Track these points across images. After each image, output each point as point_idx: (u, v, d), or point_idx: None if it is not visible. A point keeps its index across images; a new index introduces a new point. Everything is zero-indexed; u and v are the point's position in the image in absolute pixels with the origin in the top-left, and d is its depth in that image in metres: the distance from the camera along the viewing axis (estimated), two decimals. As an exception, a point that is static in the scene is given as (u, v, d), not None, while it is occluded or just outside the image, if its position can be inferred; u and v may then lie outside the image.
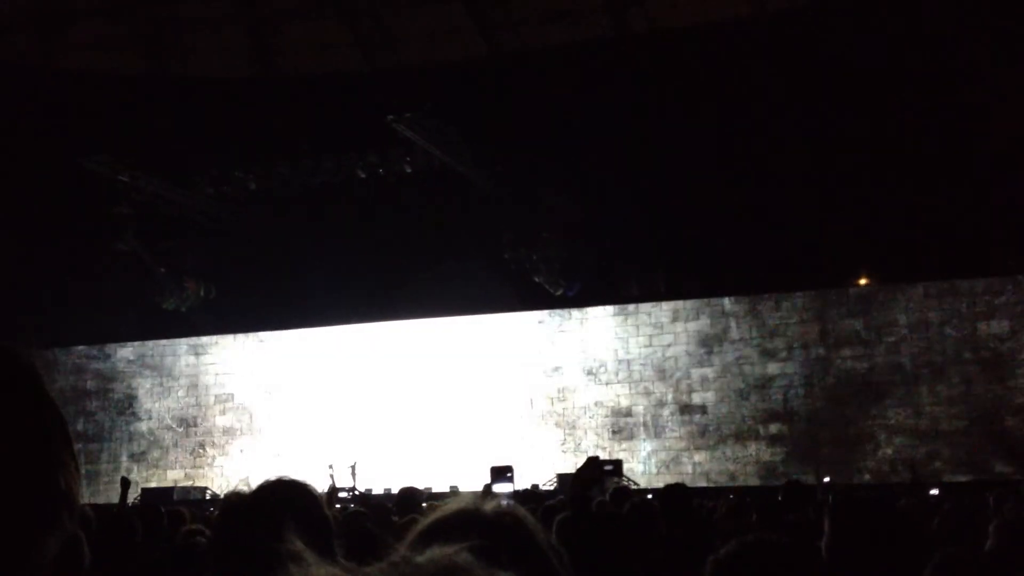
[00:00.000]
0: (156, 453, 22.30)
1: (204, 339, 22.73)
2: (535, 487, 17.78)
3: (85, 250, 25.13)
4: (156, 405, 22.92)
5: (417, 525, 1.48)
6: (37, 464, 1.13)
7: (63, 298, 26.18)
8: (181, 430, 21.73)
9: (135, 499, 22.37)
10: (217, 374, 22.27)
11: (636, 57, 21.50)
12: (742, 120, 20.83)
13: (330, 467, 21.89)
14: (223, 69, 24.22)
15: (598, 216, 22.80)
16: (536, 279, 23.45)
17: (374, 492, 20.11)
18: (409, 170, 23.25)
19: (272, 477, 2.29)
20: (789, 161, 20.69)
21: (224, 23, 23.05)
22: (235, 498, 2.27)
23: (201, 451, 21.97)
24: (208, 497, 23.31)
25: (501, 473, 17.75)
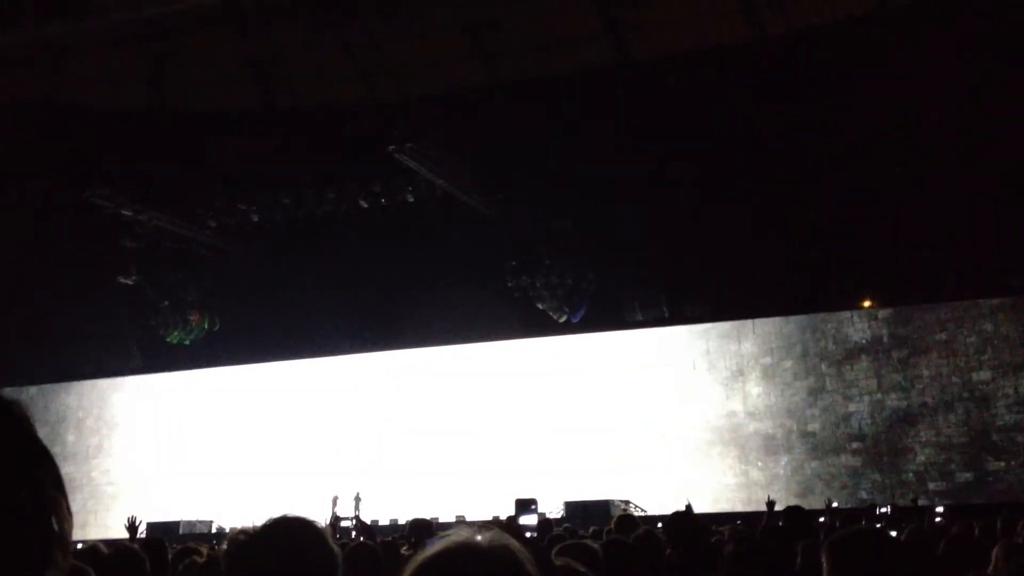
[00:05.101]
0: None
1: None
2: (543, 516, 17.83)
3: (89, 284, 25.17)
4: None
5: (415, 558, 1.50)
6: (31, 507, 1.17)
7: (66, 332, 26.21)
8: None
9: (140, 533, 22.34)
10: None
11: (636, 83, 21.55)
12: (743, 144, 20.89)
13: (335, 498, 21.88)
14: (225, 102, 24.30)
15: (600, 243, 22.84)
16: (539, 306, 23.47)
17: (380, 523, 20.06)
18: (411, 199, 23.26)
19: (278, 515, 2.29)
20: (791, 186, 20.75)
21: (226, 56, 23.10)
22: (242, 537, 2.27)
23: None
24: (214, 531, 23.28)
25: (525, 506, 17.83)
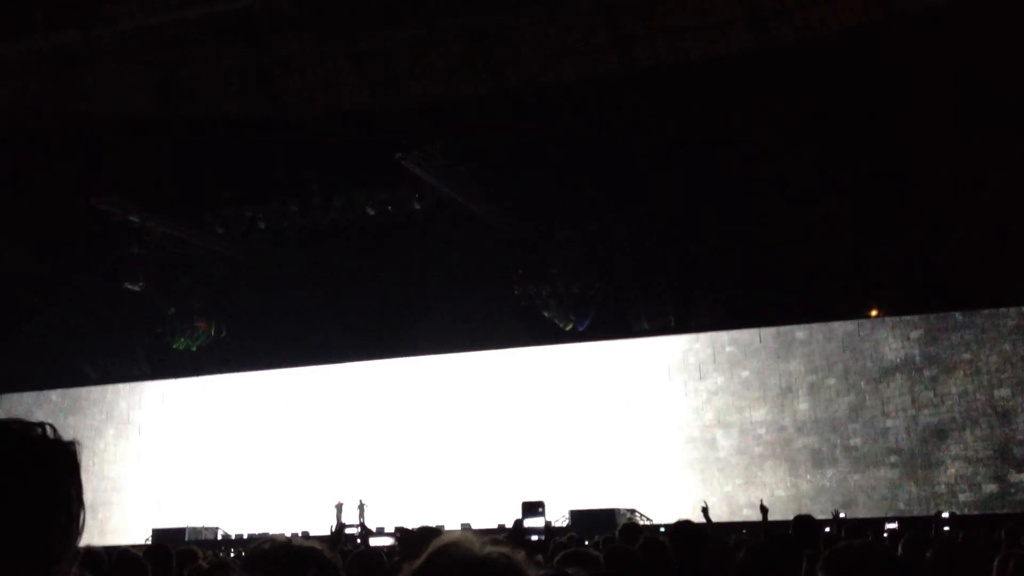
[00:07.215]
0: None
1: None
2: (548, 524, 17.74)
3: (96, 290, 25.22)
4: None
5: (410, 565, 1.48)
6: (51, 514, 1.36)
7: (73, 338, 26.27)
8: None
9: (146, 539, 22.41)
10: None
11: (644, 92, 21.53)
12: (750, 153, 20.86)
13: (339, 505, 21.88)
14: (233, 110, 24.33)
15: (607, 251, 22.82)
16: (546, 314, 23.46)
17: (386, 530, 20.00)
18: (418, 207, 23.28)
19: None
20: (798, 195, 20.72)
21: (234, 64, 23.14)
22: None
23: None
24: (219, 538, 23.29)
25: (532, 508, 17.73)
